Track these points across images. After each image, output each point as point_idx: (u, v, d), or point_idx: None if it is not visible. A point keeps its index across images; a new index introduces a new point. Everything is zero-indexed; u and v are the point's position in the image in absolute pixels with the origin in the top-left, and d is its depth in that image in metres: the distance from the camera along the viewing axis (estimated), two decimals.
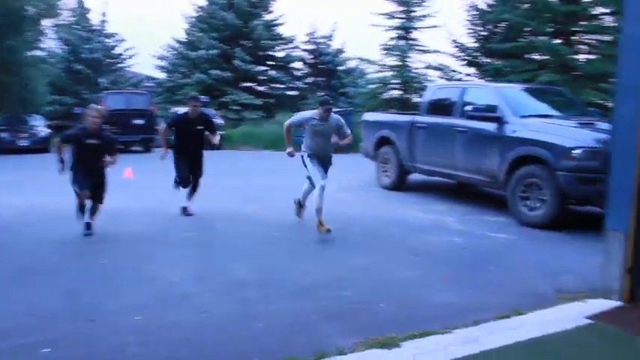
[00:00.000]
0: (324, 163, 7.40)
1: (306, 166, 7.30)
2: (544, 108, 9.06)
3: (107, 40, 32.74)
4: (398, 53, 24.39)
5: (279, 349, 3.71)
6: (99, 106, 7.36)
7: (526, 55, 19.67)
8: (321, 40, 33.04)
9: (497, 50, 20.16)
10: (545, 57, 18.93)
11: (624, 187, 4.64)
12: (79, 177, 6.76)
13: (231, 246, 6.57)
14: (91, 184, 6.82)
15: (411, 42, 24.85)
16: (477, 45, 21.97)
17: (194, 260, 5.96)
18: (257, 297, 4.81)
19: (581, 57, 18.99)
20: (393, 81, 24.65)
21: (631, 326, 4.25)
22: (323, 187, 7.06)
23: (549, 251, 6.51)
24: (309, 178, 7.39)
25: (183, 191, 8.33)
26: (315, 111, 7.23)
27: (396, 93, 24.92)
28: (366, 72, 28.70)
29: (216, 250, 6.40)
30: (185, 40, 31.47)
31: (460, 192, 10.73)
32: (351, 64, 32.00)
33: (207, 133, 8.36)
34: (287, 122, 7.55)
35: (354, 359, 3.58)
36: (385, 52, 24.74)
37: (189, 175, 8.17)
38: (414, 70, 24.44)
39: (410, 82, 23.97)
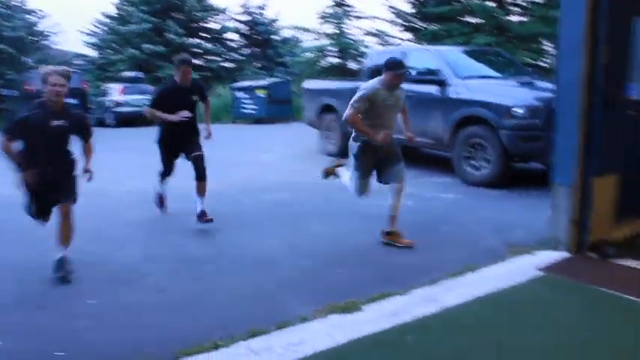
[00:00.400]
0: (388, 157, 5.49)
1: (355, 158, 5.49)
2: (484, 69, 9.18)
3: (29, 17, 31.27)
4: (334, 20, 24.27)
5: (241, 321, 3.65)
6: (60, 68, 4.70)
7: (461, 19, 19.87)
8: (255, 10, 32.56)
9: (432, 14, 20.27)
10: (480, 20, 19.18)
11: (569, 143, 4.76)
12: (33, 196, 4.79)
13: (181, 222, 6.42)
14: (53, 198, 4.77)
15: (346, 9, 24.74)
16: (413, 10, 22.04)
17: (143, 239, 5.81)
18: (213, 271, 4.73)
19: (515, 19, 19.33)
20: (330, 49, 24.55)
21: (579, 275, 4.40)
22: (364, 185, 5.53)
23: (497, 208, 6.65)
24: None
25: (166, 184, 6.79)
26: (379, 79, 5.28)
27: (333, 60, 24.85)
28: (302, 41, 28.52)
29: (166, 228, 6.26)
30: (115, 15, 30.43)
31: (405, 155, 10.77)
32: (287, 33, 31.72)
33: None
34: (352, 110, 5.24)
35: (316, 326, 3.56)
36: (322, 19, 24.57)
37: (173, 169, 6.50)
38: (351, 37, 24.39)
39: (347, 49, 23.92)
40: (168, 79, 6.84)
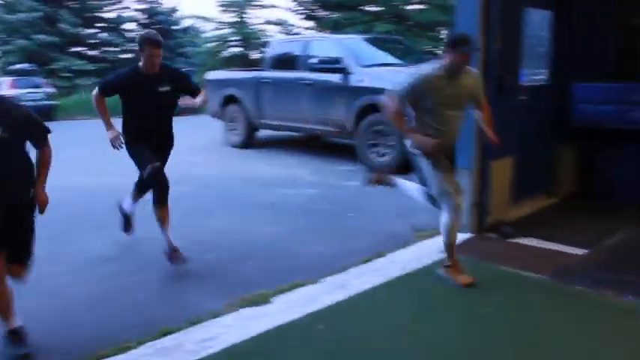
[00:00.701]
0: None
1: (421, 171, 4.18)
2: (385, 57, 9.35)
3: None
4: (235, 9, 24.04)
5: (151, 320, 3.55)
6: None
7: (362, 7, 20.17)
8: None
9: (333, 3, 20.46)
10: (380, 8, 19.54)
11: (468, 128, 4.92)
12: None
13: (84, 221, 6.17)
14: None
15: None
16: None
17: (45, 239, 5.52)
18: (117, 271, 4.57)
19: (414, 7, 19.84)
20: (232, 38, 24.31)
21: (480, 255, 4.59)
22: (458, 206, 4.03)
23: (402, 194, 6.79)
24: (427, 194, 4.33)
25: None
26: (436, 64, 3.98)
27: (235, 50, 24.63)
28: (203, 30, 28.09)
29: (67, 227, 5.97)
30: (1, 2, 28.71)
31: (310, 145, 10.88)
32: (188, 22, 31.12)
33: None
34: (392, 101, 3.98)
35: (228, 320, 3.52)
36: (223, 8, 24.26)
37: (157, 161, 4.75)
38: (253, 26, 24.25)
39: (249, 38, 23.77)
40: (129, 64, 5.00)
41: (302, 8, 22.26)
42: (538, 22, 5.54)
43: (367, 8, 20.18)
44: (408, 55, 9.84)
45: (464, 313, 3.60)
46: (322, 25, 21.15)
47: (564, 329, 3.37)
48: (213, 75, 12.35)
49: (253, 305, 3.71)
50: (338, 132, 8.89)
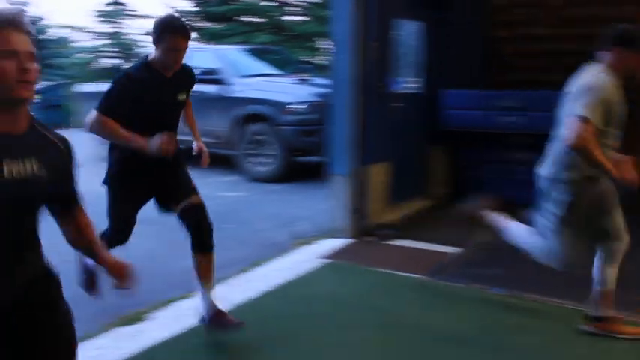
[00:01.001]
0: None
1: (545, 215, 3.19)
2: (264, 67, 9.37)
3: None
4: (110, 19, 23.29)
5: None
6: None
7: (242, 18, 20.18)
8: (20, 7, 30.03)
9: (214, 14, 20.32)
10: (261, 19, 19.66)
11: (344, 135, 5.03)
12: None
13: None
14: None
15: (123, 7, 23.84)
16: (197, 9, 21.89)
17: None
18: None
19: (294, 19, 20.12)
20: (107, 49, 23.51)
21: (358, 259, 4.68)
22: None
23: (281, 203, 6.82)
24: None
25: None
26: (600, 67, 2.95)
27: (112, 61, 23.84)
28: (76, 41, 26.95)
29: None
30: None
31: (190, 156, 10.64)
32: (59, 32, 29.72)
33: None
34: (582, 124, 2.74)
35: (102, 341, 3.36)
36: (99, 18, 23.44)
37: (131, 229, 3.77)
38: (130, 37, 23.60)
39: (126, 49, 23.10)
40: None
41: (183, 19, 21.91)
42: (412, 33, 5.75)
43: (248, 19, 20.21)
44: (286, 65, 9.92)
45: (345, 318, 3.63)
46: (203, 36, 20.91)
47: (440, 323, 3.51)
48: (86, 87, 11.82)
49: (128, 324, 3.57)
50: (217, 143, 8.77)
